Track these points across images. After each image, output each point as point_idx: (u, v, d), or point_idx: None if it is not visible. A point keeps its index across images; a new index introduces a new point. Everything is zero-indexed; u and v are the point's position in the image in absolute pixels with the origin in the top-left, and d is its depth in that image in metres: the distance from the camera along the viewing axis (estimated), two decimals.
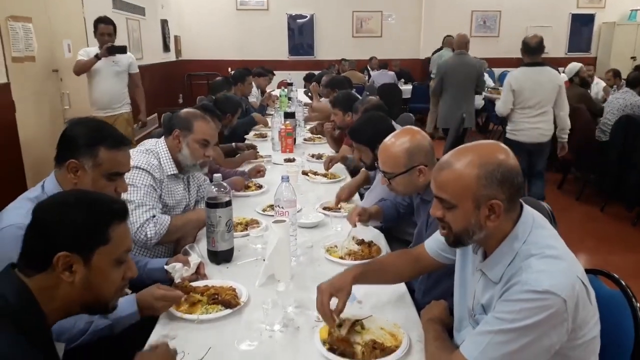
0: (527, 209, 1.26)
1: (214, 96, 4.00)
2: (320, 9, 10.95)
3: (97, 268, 1.08)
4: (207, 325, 1.53)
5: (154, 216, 2.05)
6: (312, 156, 3.78)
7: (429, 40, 10.47)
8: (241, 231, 2.22)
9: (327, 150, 3.99)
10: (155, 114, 7.75)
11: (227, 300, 1.60)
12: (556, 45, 10.90)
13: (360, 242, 2.10)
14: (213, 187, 1.91)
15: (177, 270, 1.74)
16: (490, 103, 7.31)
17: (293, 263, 1.91)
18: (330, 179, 3.19)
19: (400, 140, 1.88)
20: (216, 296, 1.62)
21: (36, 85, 4.42)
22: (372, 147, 2.32)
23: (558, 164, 5.63)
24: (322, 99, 5.46)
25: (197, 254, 1.84)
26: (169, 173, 2.22)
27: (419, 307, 1.59)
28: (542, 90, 4.09)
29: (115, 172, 1.63)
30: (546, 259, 1.15)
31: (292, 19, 10.99)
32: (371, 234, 2.23)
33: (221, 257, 1.94)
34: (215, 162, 3.03)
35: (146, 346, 1.34)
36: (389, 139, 1.92)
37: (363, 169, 2.95)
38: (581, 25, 11.36)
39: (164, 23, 9.27)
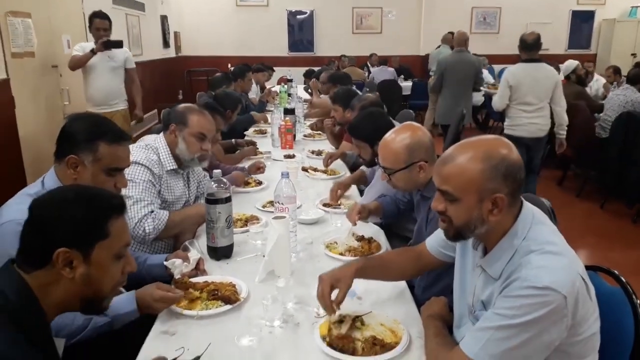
0: (527, 205, 1.26)
1: (214, 92, 4.00)
2: (320, 5, 10.92)
3: (97, 263, 1.08)
4: (206, 321, 1.52)
5: (152, 211, 2.05)
6: (312, 152, 3.78)
7: (429, 37, 10.46)
8: (241, 227, 2.22)
9: (327, 146, 3.98)
10: (155, 110, 7.74)
11: (226, 296, 1.60)
12: (556, 42, 10.88)
13: (360, 239, 2.10)
14: (213, 183, 1.90)
15: (177, 266, 1.74)
16: (490, 100, 7.28)
17: (293, 259, 1.91)
18: (330, 175, 3.19)
19: (400, 136, 1.88)
20: (216, 292, 1.62)
21: (36, 81, 4.41)
22: (371, 143, 2.32)
23: (558, 160, 5.62)
24: (322, 96, 5.45)
25: (197, 250, 1.85)
26: (169, 168, 2.22)
27: (419, 304, 1.59)
28: (539, 87, 4.11)
29: (115, 167, 1.63)
30: (546, 255, 1.15)
31: (291, 15, 10.97)
32: (371, 230, 2.23)
33: (221, 253, 1.94)
34: (215, 159, 3.03)
35: None
36: (389, 135, 1.92)
37: (361, 167, 2.95)
38: (581, 21, 11.35)
39: (164, 19, 9.24)
